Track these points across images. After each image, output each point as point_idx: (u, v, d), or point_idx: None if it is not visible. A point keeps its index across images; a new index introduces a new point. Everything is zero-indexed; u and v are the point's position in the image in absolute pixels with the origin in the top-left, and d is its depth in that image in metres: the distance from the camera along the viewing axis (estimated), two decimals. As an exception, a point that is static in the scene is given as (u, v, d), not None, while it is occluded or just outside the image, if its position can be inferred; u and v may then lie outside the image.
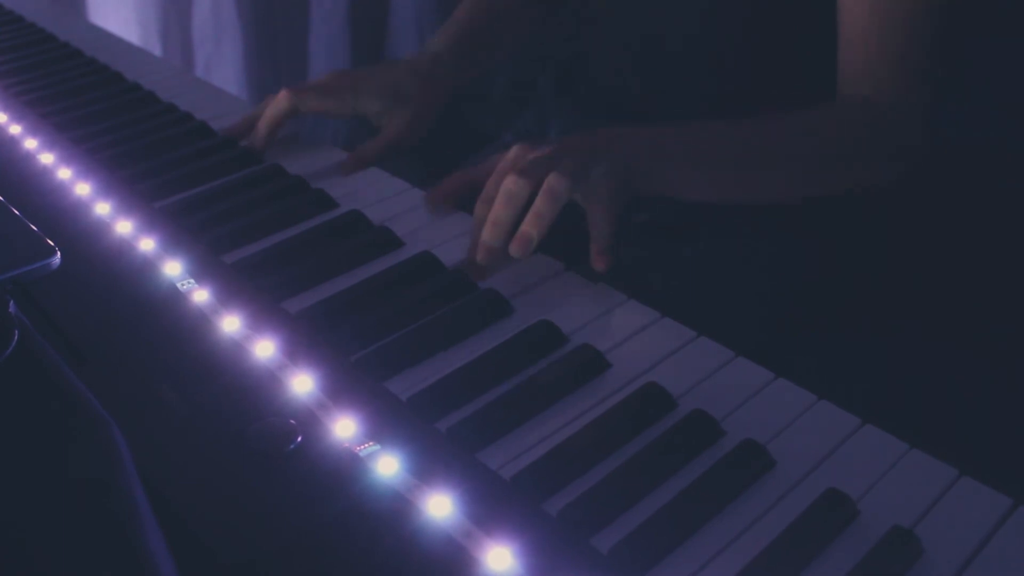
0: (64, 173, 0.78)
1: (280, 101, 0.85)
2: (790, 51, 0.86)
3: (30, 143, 0.83)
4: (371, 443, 0.52)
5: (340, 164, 0.84)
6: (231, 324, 0.61)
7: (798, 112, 0.78)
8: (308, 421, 0.53)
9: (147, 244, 0.69)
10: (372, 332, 0.62)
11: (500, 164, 0.71)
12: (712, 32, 0.87)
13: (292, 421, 0.53)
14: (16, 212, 0.50)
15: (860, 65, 0.78)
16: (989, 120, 0.93)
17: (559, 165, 0.67)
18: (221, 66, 1.88)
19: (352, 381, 0.57)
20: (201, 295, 0.63)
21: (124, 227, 0.71)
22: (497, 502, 0.50)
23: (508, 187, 0.67)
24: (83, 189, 0.76)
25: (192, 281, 0.65)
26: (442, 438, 0.54)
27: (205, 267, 0.67)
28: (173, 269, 0.66)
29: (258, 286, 0.66)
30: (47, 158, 0.81)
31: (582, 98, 1.00)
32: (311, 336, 0.61)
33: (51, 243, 0.47)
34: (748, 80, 0.88)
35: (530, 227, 0.66)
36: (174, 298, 0.64)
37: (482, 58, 0.99)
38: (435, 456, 0.52)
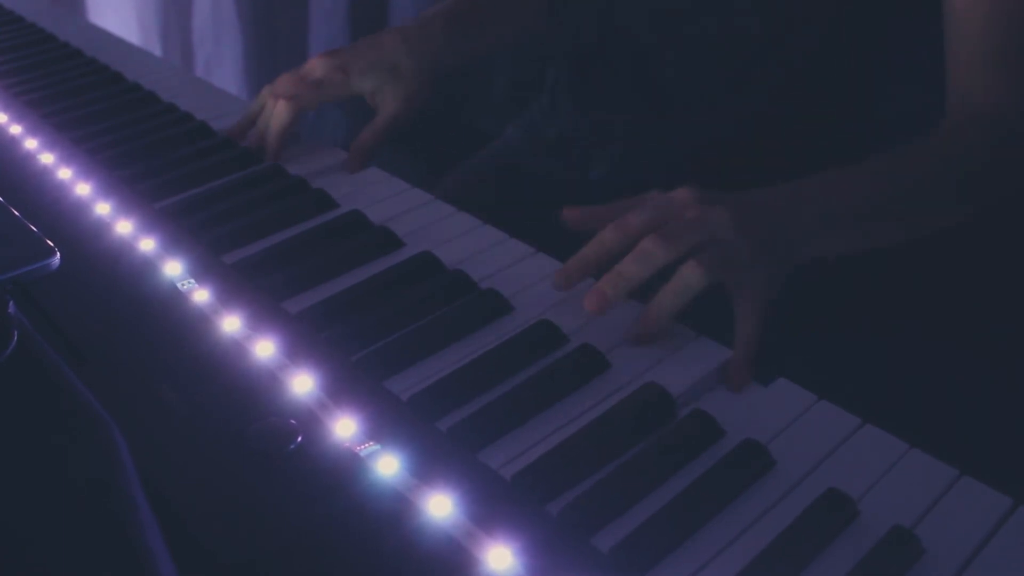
0: (64, 173, 0.78)
1: (280, 113, 0.84)
2: (821, 30, 0.85)
3: (30, 143, 0.83)
4: (371, 443, 0.52)
5: (344, 164, 0.84)
6: (231, 324, 0.61)
7: (926, 140, 0.73)
8: (308, 421, 0.53)
9: (147, 244, 0.69)
10: (372, 332, 0.62)
11: (662, 203, 0.63)
12: (731, 27, 0.86)
13: (292, 421, 0.53)
14: (16, 212, 0.50)
15: (970, 74, 0.74)
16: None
17: (714, 246, 0.60)
18: (221, 66, 1.88)
19: (352, 381, 0.57)
20: (201, 295, 0.63)
21: (124, 227, 0.71)
22: (497, 502, 0.50)
23: (647, 248, 0.60)
24: (83, 189, 0.76)
25: (192, 281, 0.65)
26: (443, 438, 0.54)
27: (205, 267, 0.67)
28: (173, 269, 0.66)
29: (258, 286, 0.66)
30: (47, 158, 0.81)
31: (593, 94, 1.00)
32: (311, 336, 0.61)
33: (51, 243, 0.47)
34: (778, 63, 0.87)
35: (656, 310, 0.59)
36: (174, 298, 0.64)
37: (475, 34, 0.95)
38: (436, 456, 0.52)
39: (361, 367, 0.59)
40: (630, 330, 0.61)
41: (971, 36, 0.74)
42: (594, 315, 0.61)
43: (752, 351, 0.59)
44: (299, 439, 0.51)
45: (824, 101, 0.88)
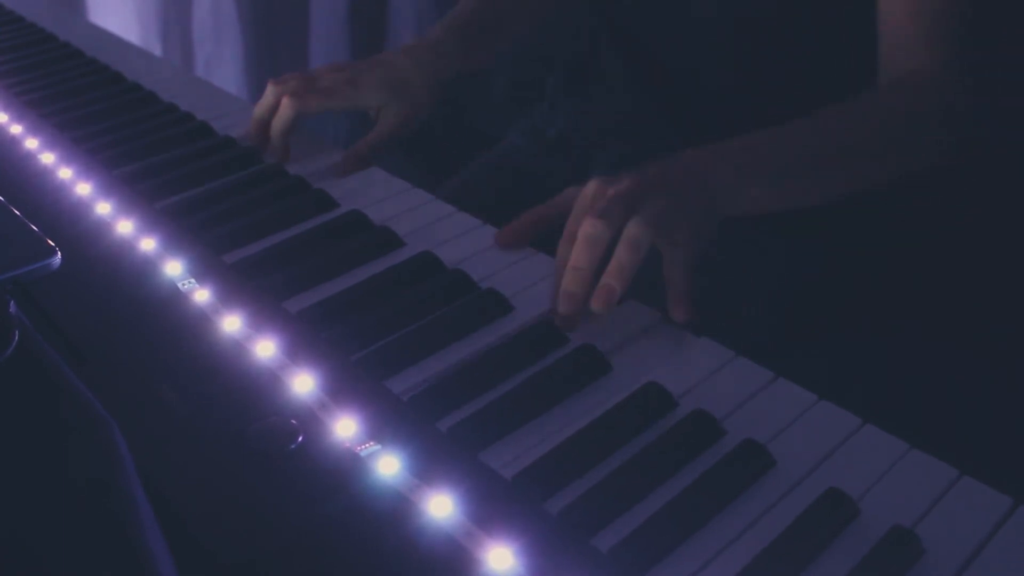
0: (65, 173, 0.78)
1: (284, 110, 0.84)
2: (818, 24, 0.85)
3: (31, 143, 0.83)
4: (372, 443, 0.52)
5: (344, 162, 0.84)
6: (232, 324, 0.61)
7: (853, 101, 0.76)
8: (309, 421, 0.53)
9: (148, 244, 0.69)
10: (373, 332, 0.62)
11: (578, 201, 0.67)
12: (742, 9, 0.86)
13: (293, 421, 0.53)
14: (16, 212, 0.50)
15: (897, 39, 0.77)
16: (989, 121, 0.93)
17: (641, 208, 0.63)
18: (221, 66, 1.88)
19: (353, 381, 0.57)
20: (202, 295, 0.63)
21: (125, 227, 0.71)
22: (498, 502, 0.50)
23: (587, 231, 0.62)
24: (83, 189, 0.76)
25: (193, 281, 0.65)
26: (443, 438, 0.54)
27: (206, 267, 0.67)
28: (174, 269, 0.66)
29: (259, 286, 0.66)
30: (47, 158, 0.81)
31: (592, 97, 1.00)
32: (312, 336, 0.61)
33: (51, 243, 0.47)
34: (776, 58, 0.87)
35: (612, 279, 0.61)
36: (175, 298, 0.64)
37: (486, 45, 0.96)
38: (436, 456, 0.52)
39: (361, 367, 0.59)
40: (595, 298, 0.62)
41: (903, 5, 0.76)
42: (569, 315, 0.62)
43: (682, 291, 0.63)
44: (299, 439, 0.51)
45: (824, 102, 0.88)
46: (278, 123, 0.84)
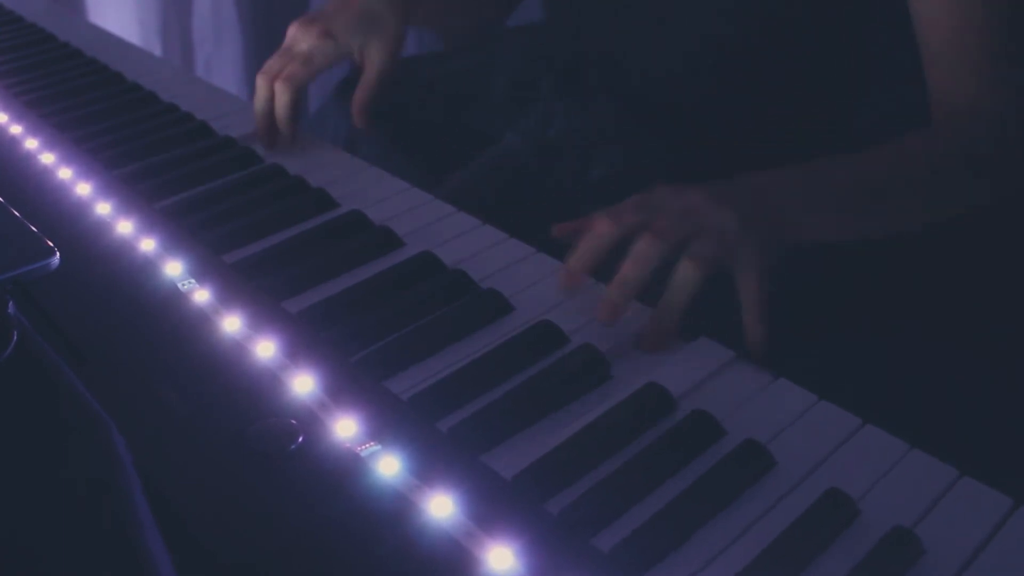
0: (64, 173, 0.78)
1: (281, 95, 0.84)
2: (807, 38, 0.85)
3: (30, 143, 0.83)
4: (372, 443, 0.52)
5: (345, 164, 0.84)
6: (232, 324, 0.61)
7: (917, 133, 0.75)
8: (309, 421, 0.53)
9: (147, 244, 0.69)
10: (373, 332, 0.62)
11: (639, 209, 0.64)
12: (731, 22, 0.87)
13: (293, 421, 0.53)
14: (16, 212, 0.50)
15: (948, 78, 0.76)
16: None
17: (703, 231, 0.61)
18: (221, 66, 1.88)
19: (353, 381, 0.57)
20: (202, 295, 0.63)
21: (124, 227, 0.71)
22: (498, 502, 0.50)
23: (643, 250, 0.61)
24: (83, 189, 0.76)
25: (193, 281, 0.65)
26: (443, 438, 0.54)
27: (206, 267, 0.67)
28: (174, 269, 0.66)
29: (259, 286, 0.66)
30: (47, 158, 0.81)
31: (588, 97, 1.00)
32: (312, 336, 0.61)
33: (51, 243, 0.47)
34: (768, 65, 0.87)
35: (664, 311, 0.61)
36: (174, 298, 0.64)
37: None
38: (436, 456, 0.52)
39: (361, 367, 0.59)
40: (642, 337, 0.62)
41: (941, 40, 0.76)
42: (607, 324, 0.62)
43: (758, 311, 0.61)
44: (300, 439, 0.51)
45: (814, 98, 0.88)
46: (281, 110, 0.85)
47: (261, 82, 0.86)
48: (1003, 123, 0.76)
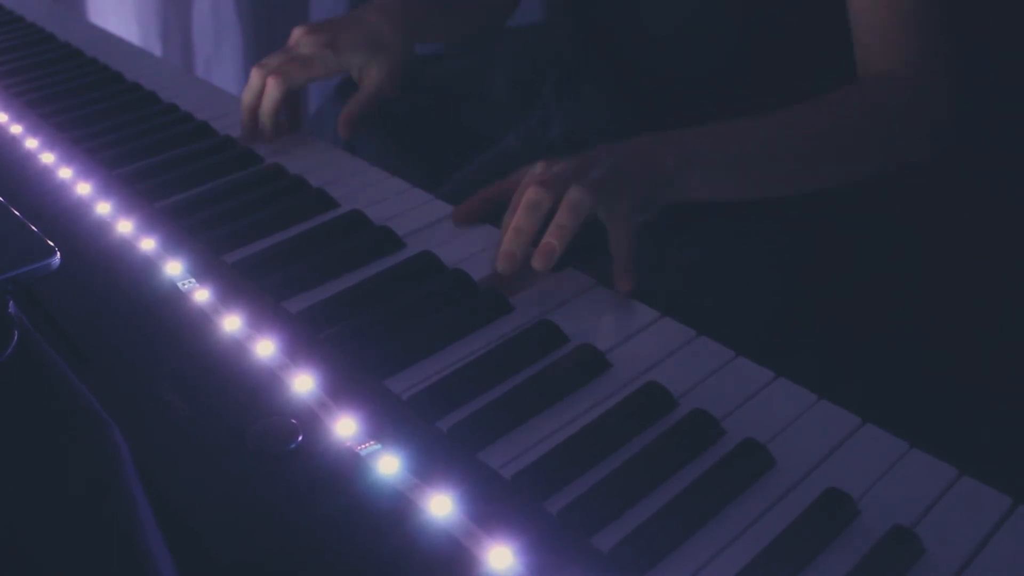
0: (64, 173, 0.78)
1: (271, 90, 0.84)
2: (791, 32, 0.85)
3: (30, 143, 0.83)
4: (372, 442, 0.52)
5: (345, 164, 0.84)
6: (232, 324, 0.61)
7: (821, 98, 0.77)
8: (309, 420, 0.53)
9: (148, 244, 0.69)
10: (373, 332, 0.62)
11: (526, 177, 0.70)
12: (712, 18, 0.87)
13: (293, 420, 0.53)
14: (16, 212, 0.50)
15: (873, 42, 0.78)
16: (989, 120, 0.93)
17: (582, 179, 0.66)
18: (221, 66, 1.88)
19: (353, 381, 0.57)
20: (202, 295, 0.63)
21: (125, 227, 0.71)
22: (498, 501, 0.50)
23: (530, 197, 0.66)
24: (83, 189, 0.76)
25: (193, 281, 0.65)
26: (443, 437, 0.54)
27: (206, 267, 0.67)
28: (174, 269, 0.66)
29: (259, 286, 0.66)
30: (47, 158, 0.81)
31: (588, 98, 1.00)
32: (312, 336, 0.61)
33: (51, 243, 0.47)
34: (752, 68, 0.88)
35: (551, 238, 0.65)
36: (175, 298, 0.64)
37: (454, 9, 0.97)
38: (436, 455, 0.52)
39: (361, 367, 0.59)
40: (536, 256, 0.65)
41: (879, 8, 0.78)
42: (507, 272, 0.66)
43: (625, 261, 0.66)
44: (300, 439, 0.51)
45: (814, 81, 0.88)
46: (267, 104, 0.85)
47: (255, 74, 0.86)
48: (924, 90, 0.78)
